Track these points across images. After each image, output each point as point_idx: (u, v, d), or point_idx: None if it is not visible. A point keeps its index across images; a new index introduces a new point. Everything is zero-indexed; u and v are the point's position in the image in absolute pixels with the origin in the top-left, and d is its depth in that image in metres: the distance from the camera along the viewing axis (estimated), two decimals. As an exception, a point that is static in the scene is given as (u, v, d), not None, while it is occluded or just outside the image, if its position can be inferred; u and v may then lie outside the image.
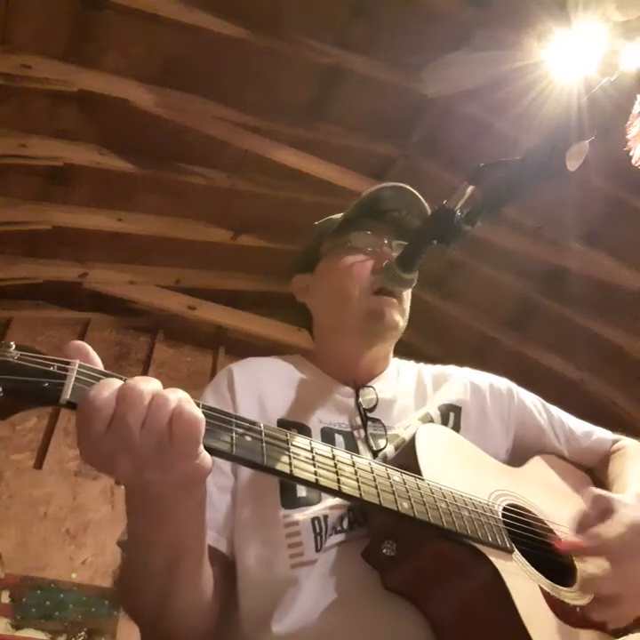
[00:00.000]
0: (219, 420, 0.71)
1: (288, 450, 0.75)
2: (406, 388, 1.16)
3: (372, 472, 0.81)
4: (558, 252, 3.65)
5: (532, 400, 1.22)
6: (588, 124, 0.88)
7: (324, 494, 0.94)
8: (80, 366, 0.65)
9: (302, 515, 0.93)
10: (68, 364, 0.64)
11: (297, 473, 0.73)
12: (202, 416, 0.66)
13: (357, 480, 0.78)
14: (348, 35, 3.14)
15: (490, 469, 1.03)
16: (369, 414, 1.07)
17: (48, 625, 2.93)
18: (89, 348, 0.68)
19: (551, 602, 0.85)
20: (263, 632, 0.87)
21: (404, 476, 0.84)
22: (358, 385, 1.12)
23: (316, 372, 1.15)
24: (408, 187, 1.21)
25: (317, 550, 0.90)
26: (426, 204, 1.20)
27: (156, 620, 0.83)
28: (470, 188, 0.99)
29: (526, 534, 0.92)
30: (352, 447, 1.01)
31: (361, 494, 0.77)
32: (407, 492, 0.82)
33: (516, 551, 0.86)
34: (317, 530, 0.91)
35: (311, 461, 0.76)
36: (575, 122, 0.89)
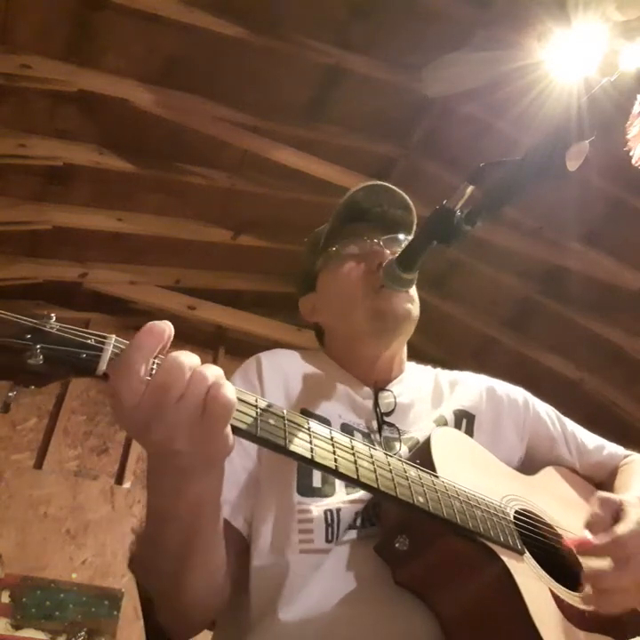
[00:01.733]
0: (245, 402, 0.73)
1: (309, 436, 0.76)
2: (424, 394, 1.17)
3: (389, 465, 0.82)
4: (558, 251, 3.65)
5: (546, 411, 1.23)
6: (588, 124, 0.88)
7: (338, 489, 0.96)
8: (116, 341, 0.67)
9: (315, 505, 0.95)
10: (105, 338, 0.67)
11: (317, 459, 0.75)
12: (235, 399, 0.68)
13: (375, 471, 0.79)
14: (348, 35, 3.13)
15: (502, 474, 1.04)
16: (385, 419, 1.08)
17: (48, 625, 2.93)
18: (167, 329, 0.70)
19: (560, 604, 0.85)
20: (270, 618, 0.88)
21: (420, 472, 0.85)
22: (378, 387, 1.13)
23: (337, 369, 1.16)
24: (380, 182, 1.22)
25: (328, 541, 0.92)
26: (402, 194, 1.21)
27: (170, 593, 0.85)
28: (470, 188, 0.99)
29: (537, 538, 0.92)
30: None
31: (378, 485, 0.78)
32: (422, 486, 0.82)
33: (527, 553, 0.86)
34: (329, 521, 0.93)
35: (331, 449, 0.77)
36: (575, 122, 0.89)
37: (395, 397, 1.11)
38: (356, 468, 0.77)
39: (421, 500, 0.80)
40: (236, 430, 0.70)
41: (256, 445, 0.97)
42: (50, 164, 3.28)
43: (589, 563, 0.88)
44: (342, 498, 0.96)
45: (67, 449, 3.53)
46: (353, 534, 0.92)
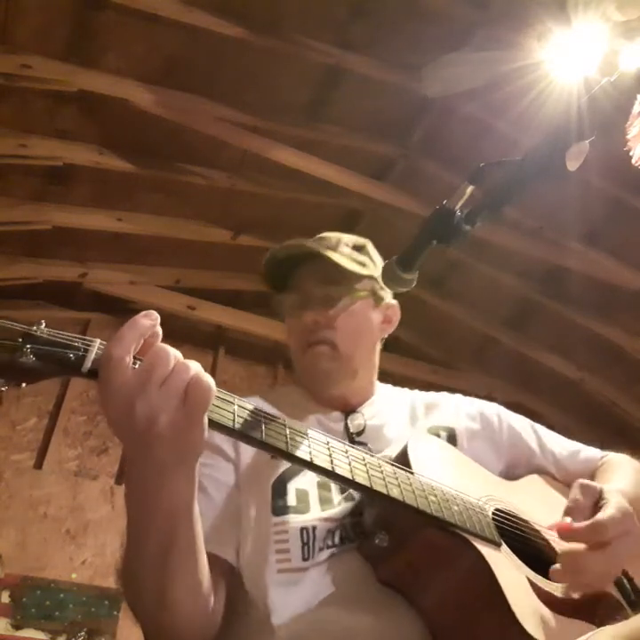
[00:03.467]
0: (222, 399, 0.77)
1: (285, 432, 0.80)
2: (397, 415, 1.18)
3: (364, 460, 0.85)
4: (558, 251, 3.65)
5: (520, 423, 1.24)
6: (588, 124, 0.88)
7: (313, 506, 0.98)
8: (101, 343, 0.72)
9: (291, 522, 0.97)
10: (91, 341, 0.72)
11: (292, 451, 0.78)
12: (214, 387, 0.72)
13: (350, 464, 0.82)
14: (348, 35, 3.14)
15: (481, 477, 1.05)
16: (356, 438, 1.10)
17: (48, 625, 2.93)
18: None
19: (538, 591, 0.86)
20: (266, 634, 0.89)
21: (396, 470, 0.87)
22: (348, 410, 1.16)
23: (308, 400, 1.19)
24: (289, 243, 1.22)
25: (305, 559, 0.93)
26: (309, 243, 1.22)
27: (157, 612, 0.85)
28: (470, 188, 0.99)
29: (514, 532, 0.93)
30: None
31: (353, 476, 0.80)
32: (397, 479, 0.85)
33: (504, 545, 0.88)
34: (305, 539, 0.95)
35: (307, 443, 0.81)
36: (575, 122, 0.89)
37: (365, 419, 1.14)
38: (331, 460, 0.81)
39: (396, 491, 0.82)
40: (214, 424, 0.74)
41: (234, 474, 1.04)
42: (50, 163, 3.28)
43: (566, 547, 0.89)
44: (317, 515, 0.97)
45: (67, 449, 3.53)
46: (330, 552, 0.93)
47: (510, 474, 1.16)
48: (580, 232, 3.55)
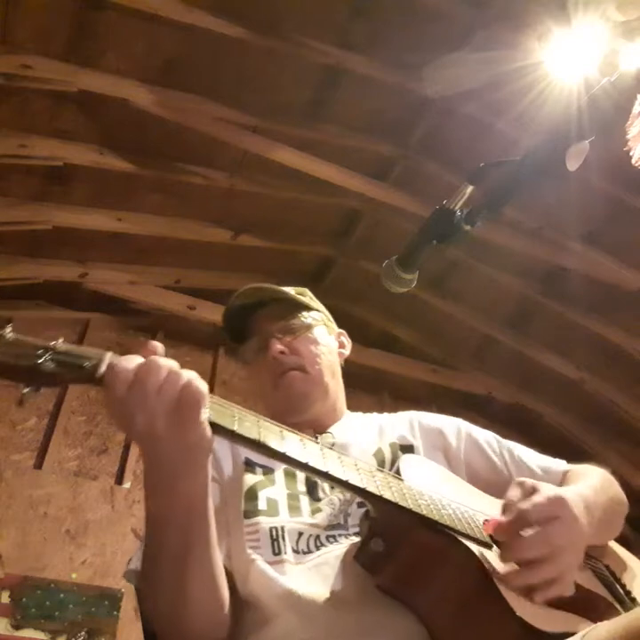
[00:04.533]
0: (221, 405, 0.85)
1: (282, 436, 0.87)
2: (365, 434, 1.23)
3: (356, 465, 0.90)
4: (558, 251, 3.65)
5: (485, 437, 1.24)
6: (588, 124, 0.88)
7: (281, 511, 1.04)
8: (112, 356, 0.81)
9: (261, 521, 1.03)
10: (103, 353, 0.80)
11: (290, 453, 0.84)
12: (206, 390, 0.80)
13: (343, 468, 0.87)
14: (348, 35, 3.14)
15: (470, 492, 1.08)
16: None
17: (48, 625, 2.93)
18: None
19: None
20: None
21: (388, 477, 0.91)
22: (317, 431, 1.20)
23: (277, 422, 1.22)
24: (250, 287, 1.31)
25: (275, 554, 0.99)
26: (271, 287, 1.30)
27: (177, 609, 0.89)
28: (470, 188, 0.99)
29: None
30: (312, 484, 1.10)
31: (347, 478, 0.85)
32: (389, 484, 0.88)
33: (495, 547, 0.89)
34: (274, 536, 1.01)
35: (302, 447, 0.87)
36: (575, 122, 0.89)
37: (334, 438, 1.19)
38: (325, 463, 0.86)
39: (388, 494, 0.86)
40: (216, 426, 0.81)
41: (219, 493, 1.09)
42: (50, 163, 3.28)
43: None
44: (286, 519, 1.03)
45: (67, 449, 3.53)
46: (298, 558, 0.97)
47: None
48: (580, 232, 3.55)
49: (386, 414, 1.33)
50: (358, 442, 1.19)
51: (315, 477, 0.97)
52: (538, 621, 0.79)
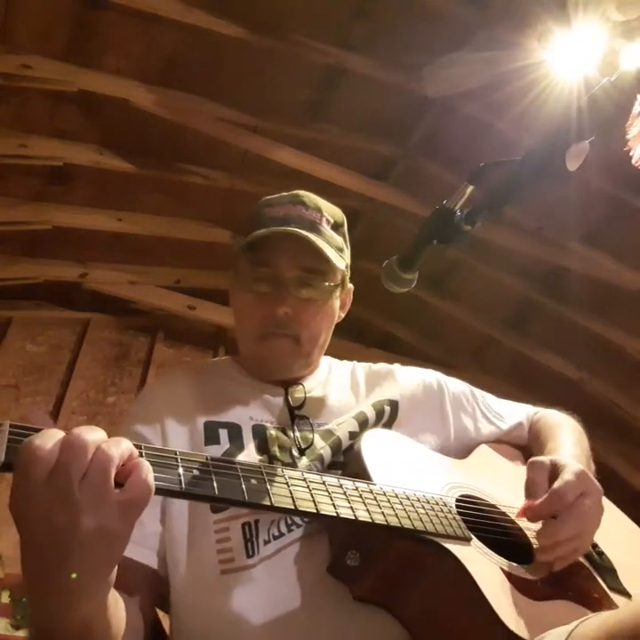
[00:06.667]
0: (164, 459, 0.69)
1: (237, 478, 0.73)
2: (338, 386, 1.17)
3: (324, 483, 0.81)
4: (558, 251, 3.65)
5: (461, 388, 1.26)
6: (588, 124, 0.88)
7: None
8: (12, 426, 0.63)
9: (233, 520, 0.92)
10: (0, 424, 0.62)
11: (252, 498, 0.72)
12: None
13: (311, 494, 0.78)
14: (348, 35, 3.14)
15: (437, 465, 1.06)
16: (297, 412, 1.08)
17: (48, 625, 2.93)
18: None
19: (514, 580, 0.87)
20: None
21: (357, 483, 0.85)
22: (288, 384, 1.13)
23: (246, 376, 1.16)
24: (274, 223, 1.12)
25: (249, 556, 0.89)
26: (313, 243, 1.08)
27: None
28: (470, 188, 0.99)
29: (481, 521, 0.94)
30: (285, 443, 1.02)
31: (317, 509, 0.77)
32: (361, 497, 0.82)
33: (474, 539, 0.88)
34: (248, 536, 0.91)
35: (264, 484, 0.75)
36: (575, 122, 0.90)
37: (305, 392, 1.11)
38: (292, 498, 0.75)
39: (362, 512, 0.80)
40: (160, 491, 0.65)
41: None
42: (50, 163, 3.28)
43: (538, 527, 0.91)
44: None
45: (67, 449, 3.53)
46: (275, 546, 0.90)
47: (459, 439, 1.18)
48: (580, 232, 3.55)
49: (358, 363, 1.26)
50: (334, 396, 1.13)
51: (282, 514, 0.90)
52: (522, 629, 0.78)
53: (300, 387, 1.12)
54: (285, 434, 1.04)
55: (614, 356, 3.88)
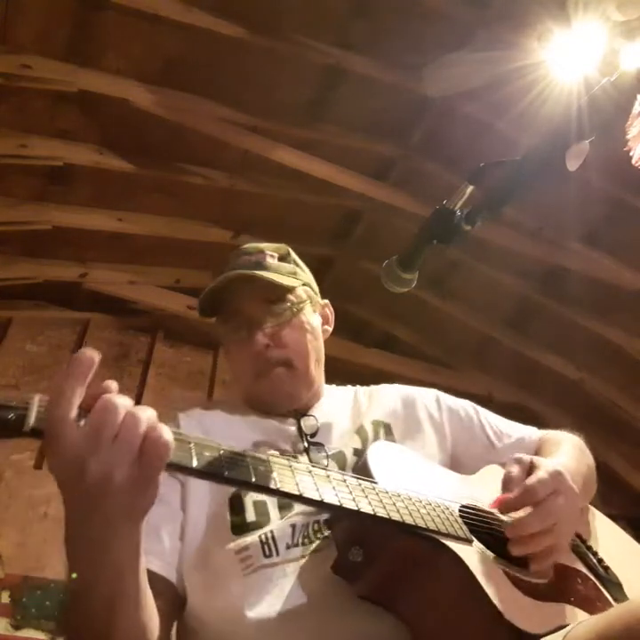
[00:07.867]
0: (179, 440, 0.74)
1: (246, 463, 0.77)
2: (344, 411, 1.22)
3: (328, 477, 0.84)
4: (558, 251, 3.65)
5: (462, 405, 1.27)
6: (588, 124, 0.88)
7: (273, 517, 1.00)
8: (40, 399, 0.67)
9: (251, 537, 0.98)
10: (30, 398, 0.67)
11: (259, 481, 0.76)
12: (172, 439, 0.68)
13: (316, 484, 0.81)
14: (348, 35, 3.14)
15: (442, 478, 1.08)
16: (311, 439, 1.13)
17: (48, 625, 2.93)
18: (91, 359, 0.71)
19: (515, 581, 0.87)
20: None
21: (361, 481, 0.87)
22: (299, 414, 1.18)
23: (255, 412, 1.20)
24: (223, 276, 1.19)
25: (267, 556, 0.96)
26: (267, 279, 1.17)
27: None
28: (470, 188, 0.99)
29: (484, 526, 0.94)
30: None
31: (322, 498, 0.79)
32: (364, 492, 0.84)
33: (476, 541, 0.89)
34: (264, 540, 0.97)
35: (270, 471, 0.79)
36: (575, 122, 0.90)
37: (317, 420, 1.17)
38: (297, 485, 0.79)
39: (364, 505, 0.82)
40: (174, 466, 0.71)
41: (180, 495, 1.03)
42: (50, 163, 3.28)
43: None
44: (277, 523, 0.99)
45: (67, 449, 3.53)
46: (293, 552, 0.96)
47: (458, 457, 1.19)
48: (580, 232, 3.55)
49: (360, 388, 1.32)
50: (340, 421, 1.18)
51: (289, 500, 0.94)
52: (524, 623, 0.79)
53: (312, 417, 1.17)
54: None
55: (614, 356, 3.88)
